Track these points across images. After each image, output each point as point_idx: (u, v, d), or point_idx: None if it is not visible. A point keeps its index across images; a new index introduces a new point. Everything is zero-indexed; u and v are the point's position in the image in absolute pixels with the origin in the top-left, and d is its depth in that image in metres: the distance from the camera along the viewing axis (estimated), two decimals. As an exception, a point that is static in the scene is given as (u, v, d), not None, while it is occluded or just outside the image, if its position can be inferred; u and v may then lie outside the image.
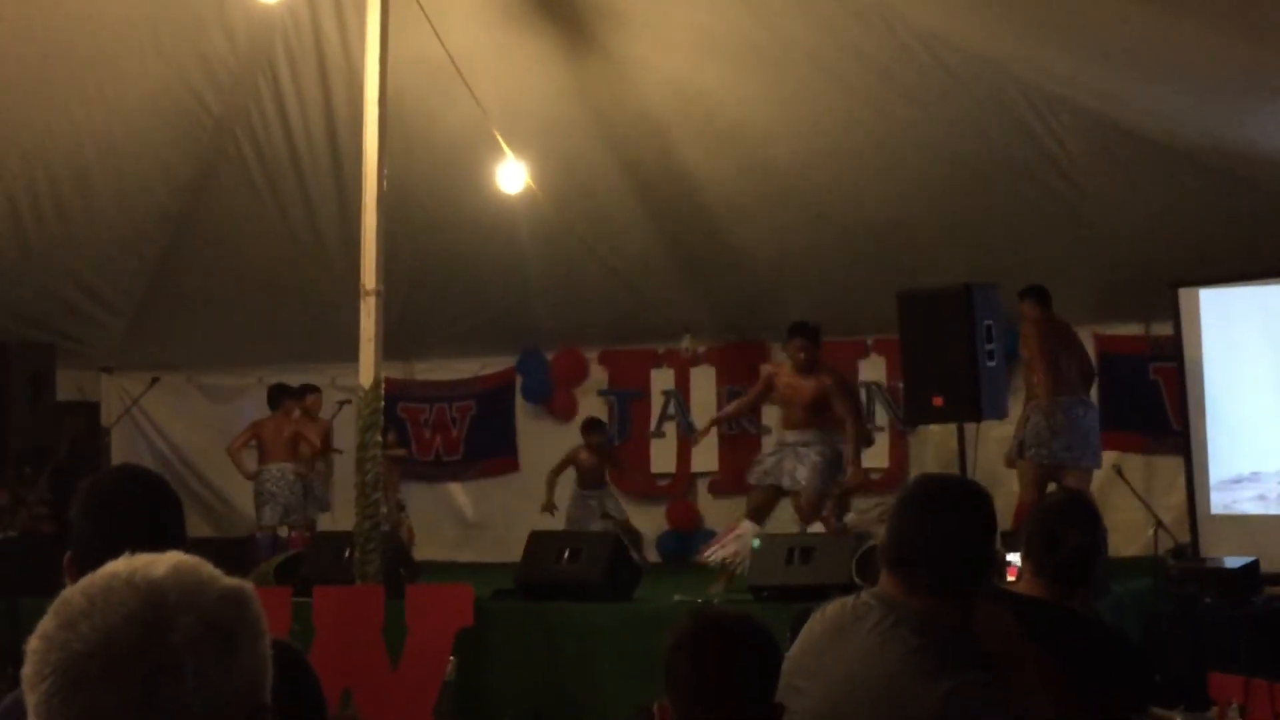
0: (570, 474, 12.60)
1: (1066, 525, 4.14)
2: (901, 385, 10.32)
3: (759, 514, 10.50)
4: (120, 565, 1.56)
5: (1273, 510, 10.48)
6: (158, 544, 1.68)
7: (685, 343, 13.35)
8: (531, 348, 14.00)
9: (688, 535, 13.02)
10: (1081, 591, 4.15)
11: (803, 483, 10.37)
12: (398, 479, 13.17)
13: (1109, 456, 11.75)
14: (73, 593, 1.54)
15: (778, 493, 10.60)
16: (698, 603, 7.80)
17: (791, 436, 10.69)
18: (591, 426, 12.71)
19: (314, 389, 13.13)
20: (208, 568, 1.60)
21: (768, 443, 13.32)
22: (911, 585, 3.20)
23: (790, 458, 10.52)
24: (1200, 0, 7.97)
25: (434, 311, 13.20)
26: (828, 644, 3.20)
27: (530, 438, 13.97)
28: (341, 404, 12.88)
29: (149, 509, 3.12)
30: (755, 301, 12.89)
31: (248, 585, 1.62)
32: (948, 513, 3.26)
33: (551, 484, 12.34)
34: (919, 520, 3.26)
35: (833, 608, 3.36)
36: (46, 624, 1.53)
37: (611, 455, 12.85)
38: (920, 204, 11.00)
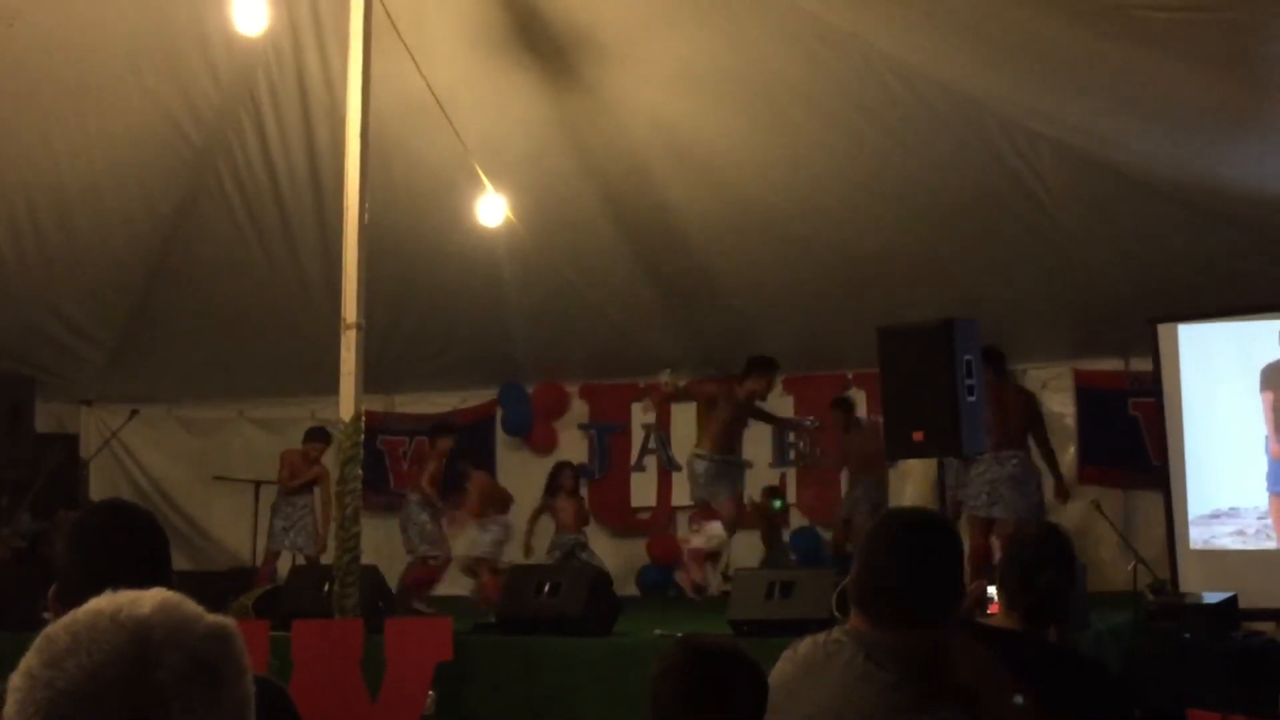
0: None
1: (1040, 561, 4.16)
2: (881, 419, 10.33)
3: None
4: (104, 602, 1.56)
5: (1251, 545, 10.51)
6: (145, 579, 1.68)
7: (666, 376, 13.35)
8: (512, 381, 14.00)
9: (669, 569, 13.00)
10: (1056, 626, 4.17)
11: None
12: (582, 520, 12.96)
13: (1089, 491, 11.79)
14: (56, 630, 1.53)
15: None
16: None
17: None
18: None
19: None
20: (191, 604, 1.60)
21: (749, 476, 13.34)
22: (881, 620, 3.21)
23: None
24: (1179, 37, 8.00)
25: (415, 344, 13.20)
26: (800, 683, 3.19)
27: (511, 470, 13.94)
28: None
29: (137, 544, 3.11)
30: (735, 336, 12.90)
31: (231, 622, 1.61)
32: (915, 547, 3.27)
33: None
34: (887, 555, 3.27)
35: (804, 646, 3.36)
36: (30, 661, 1.52)
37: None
38: (901, 238, 11.03)
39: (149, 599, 1.57)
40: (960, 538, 3.43)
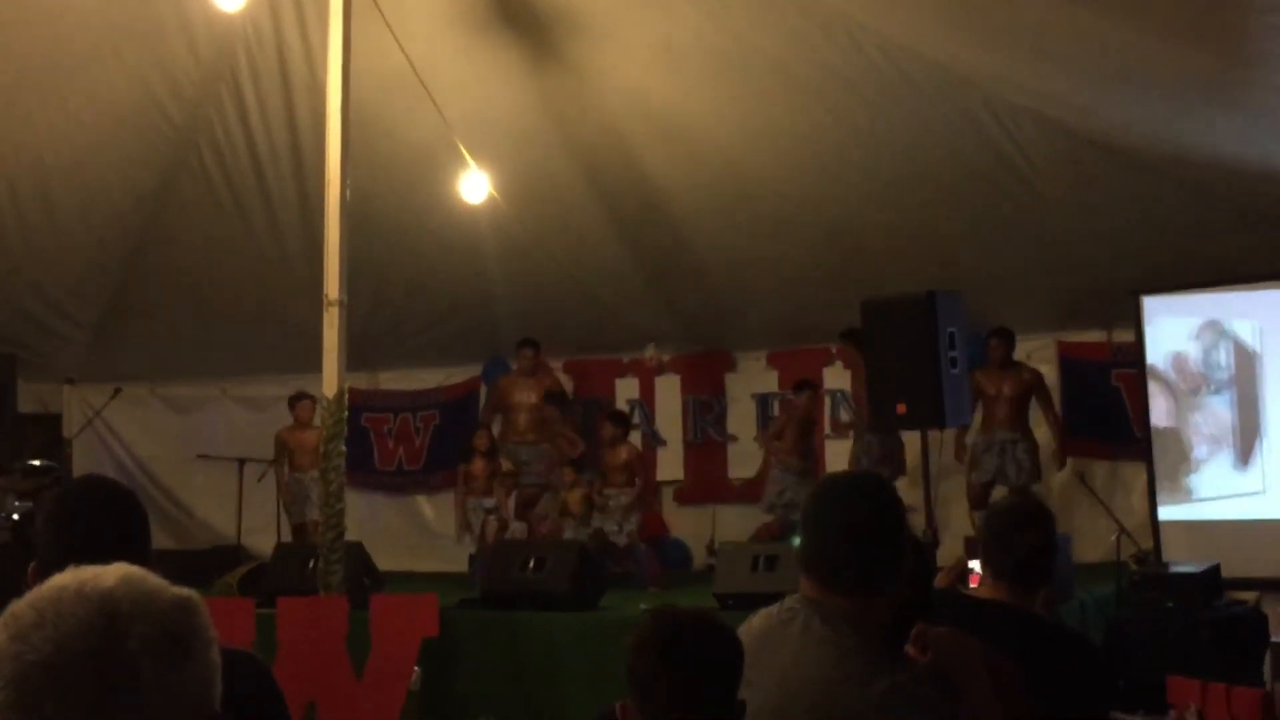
0: None
1: (1021, 526, 4.15)
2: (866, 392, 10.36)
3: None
4: (67, 577, 1.56)
5: (1233, 516, 10.54)
6: (124, 556, 1.67)
7: (649, 352, 13.35)
8: (496, 357, 13.99)
9: (653, 544, 13.01)
10: (1043, 593, 4.16)
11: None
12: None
13: (1072, 462, 11.82)
14: (20, 606, 1.54)
15: None
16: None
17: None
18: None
19: (302, 397, 13.02)
20: (154, 577, 1.60)
21: (733, 450, 13.35)
22: (830, 585, 3.21)
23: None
24: (1161, 12, 8.00)
25: (398, 321, 13.19)
26: (758, 654, 3.18)
27: (495, 447, 13.94)
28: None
29: (116, 521, 3.10)
30: (719, 310, 12.91)
31: (195, 594, 1.62)
32: (854, 509, 3.27)
33: None
34: (828, 520, 3.27)
35: (758, 619, 3.37)
36: None
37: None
38: (884, 212, 11.02)
39: (111, 573, 1.57)
40: (900, 499, 3.43)
